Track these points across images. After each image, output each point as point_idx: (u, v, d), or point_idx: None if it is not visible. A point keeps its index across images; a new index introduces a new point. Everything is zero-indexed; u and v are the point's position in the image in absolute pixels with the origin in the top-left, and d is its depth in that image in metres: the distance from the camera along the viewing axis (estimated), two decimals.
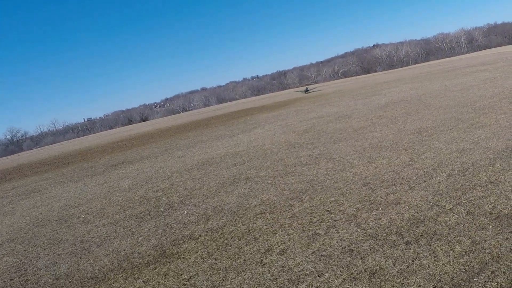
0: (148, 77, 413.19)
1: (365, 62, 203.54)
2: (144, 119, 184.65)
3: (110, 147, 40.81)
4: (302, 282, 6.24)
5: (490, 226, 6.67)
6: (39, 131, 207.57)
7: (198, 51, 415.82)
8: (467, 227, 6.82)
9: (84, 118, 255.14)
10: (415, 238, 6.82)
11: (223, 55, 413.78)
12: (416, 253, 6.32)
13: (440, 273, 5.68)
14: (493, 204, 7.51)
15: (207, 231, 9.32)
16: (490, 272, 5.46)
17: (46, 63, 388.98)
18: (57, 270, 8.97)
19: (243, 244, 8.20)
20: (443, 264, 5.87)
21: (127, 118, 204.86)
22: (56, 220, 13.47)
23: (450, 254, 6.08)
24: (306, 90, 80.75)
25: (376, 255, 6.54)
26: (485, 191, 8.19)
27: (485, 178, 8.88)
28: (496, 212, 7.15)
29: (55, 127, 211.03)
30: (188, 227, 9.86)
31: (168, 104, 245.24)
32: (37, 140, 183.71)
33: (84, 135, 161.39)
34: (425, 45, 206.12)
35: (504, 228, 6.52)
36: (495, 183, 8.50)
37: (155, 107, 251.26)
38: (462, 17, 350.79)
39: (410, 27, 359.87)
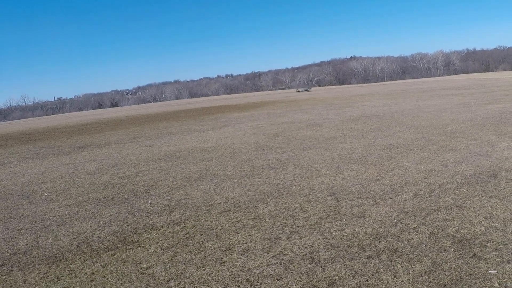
0: (123, 63, 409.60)
1: (341, 73, 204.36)
2: (115, 105, 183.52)
3: (78, 128, 40.48)
4: (261, 284, 6.23)
5: (452, 249, 6.72)
6: (8, 105, 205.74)
7: (175, 42, 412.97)
8: (429, 247, 6.87)
9: (54, 97, 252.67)
10: (376, 253, 6.85)
11: (199, 49, 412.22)
12: (377, 268, 6.35)
13: None
14: (456, 227, 7.57)
15: (169, 223, 9.28)
16: None
17: (19, 38, 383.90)
18: (15, 245, 8.86)
19: (204, 239, 8.17)
20: (402, 281, 5.89)
21: (97, 101, 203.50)
22: (18, 195, 13.33)
23: (410, 272, 6.11)
24: (305, 90, 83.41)
25: (337, 265, 6.55)
26: (450, 214, 8.26)
27: (451, 201, 8.95)
28: (459, 236, 7.21)
29: (25, 103, 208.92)
30: (151, 217, 9.82)
31: (140, 93, 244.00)
32: (6, 114, 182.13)
33: (53, 114, 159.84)
34: (402, 62, 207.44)
35: (466, 252, 6.57)
36: (460, 207, 8.58)
37: (127, 94, 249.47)
38: (441, 39, 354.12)
39: (389, 43, 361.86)
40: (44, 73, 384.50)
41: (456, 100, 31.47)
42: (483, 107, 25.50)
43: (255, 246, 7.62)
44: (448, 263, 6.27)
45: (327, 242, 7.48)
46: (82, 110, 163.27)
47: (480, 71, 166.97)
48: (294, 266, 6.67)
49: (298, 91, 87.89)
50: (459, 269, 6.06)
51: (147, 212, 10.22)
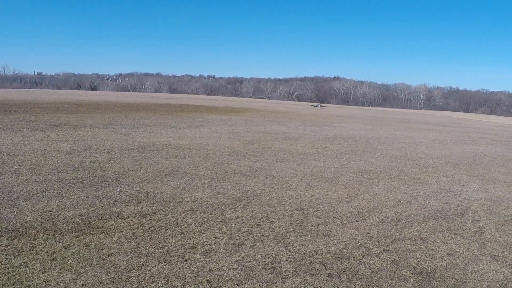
0: (107, 47, 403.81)
1: (322, 91, 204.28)
2: (93, 88, 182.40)
3: (55, 106, 40.00)
4: (220, 287, 6.28)
5: (411, 280, 6.82)
6: None
7: (162, 34, 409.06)
8: (390, 274, 6.96)
9: (35, 71, 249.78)
10: (337, 272, 6.93)
11: (185, 46, 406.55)
12: (336, 287, 6.41)
13: None
14: (418, 259, 7.68)
15: (135, 214, 9.30)
16: None
17: (5, 5, 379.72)
18: None
19: (169, 235, 8.20)
20: None
21: (77, 82, 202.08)
22: None
23: None
24: (316, 106, 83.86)
25: (297, 279, 6.62)
26: (414, 245, 8.37)
27: (415, 233, 9.07)
28: (420, 267, 7.32)
29: (5, 73, 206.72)
30: (118, 205, 9.82)
31: (120, 80, 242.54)
32: None
33: (31, 88, 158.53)
34: (384, 90, 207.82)
35: (425, 284, 6.67)
36: (425, 240, 8.69)
37: (107, 79, 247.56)
38: (426, 73, 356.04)
39: (374, 68, 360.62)
40: (27, 45, 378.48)
41: (433, 136, 31.68)
42: (458, 146, 25.73)
43: (218, 249, 7.67)
44: None
45: (290, 255, 7.55)
46: (60, 89, 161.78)
47: (460, 110, 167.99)
48: (255, 274, 6.73)
49: (314, 106, 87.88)
50: None
51: (115, 200, 10.21)
